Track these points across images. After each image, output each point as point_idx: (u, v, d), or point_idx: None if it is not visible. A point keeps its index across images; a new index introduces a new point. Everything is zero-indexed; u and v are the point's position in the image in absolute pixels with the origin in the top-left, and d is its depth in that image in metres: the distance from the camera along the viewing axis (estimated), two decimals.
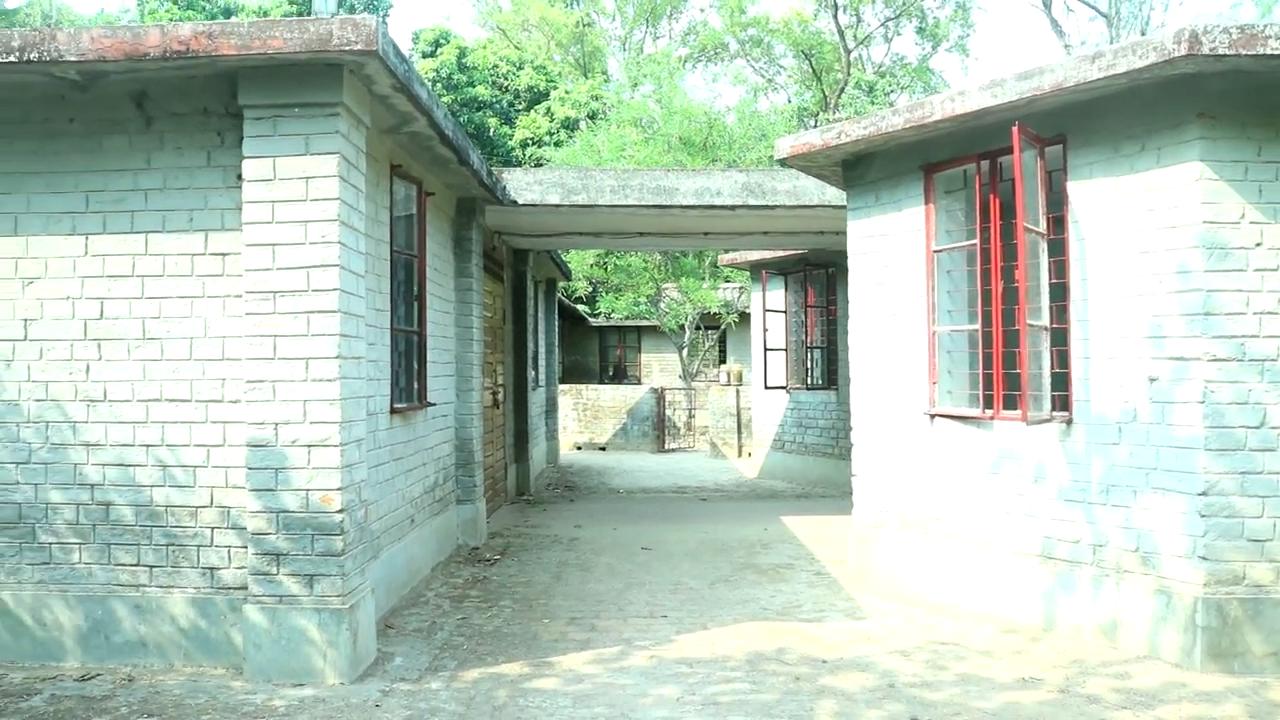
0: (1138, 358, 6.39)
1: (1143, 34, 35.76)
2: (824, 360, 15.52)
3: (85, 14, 36.66)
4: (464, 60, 35.77)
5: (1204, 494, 6.02)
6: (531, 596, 8.13)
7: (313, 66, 5.78)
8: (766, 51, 41.65)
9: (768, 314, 16.56)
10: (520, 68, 36.88)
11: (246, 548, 6.02)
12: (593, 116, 33.36)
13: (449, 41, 36.30)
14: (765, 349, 16.41)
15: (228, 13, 36.72)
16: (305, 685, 5.83)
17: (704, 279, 26.75)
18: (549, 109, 34.93)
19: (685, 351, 28.20)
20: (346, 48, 5.55)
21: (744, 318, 25.69)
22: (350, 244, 6.05)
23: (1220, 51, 5.63)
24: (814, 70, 38.50)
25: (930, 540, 7.85)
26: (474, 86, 35.34)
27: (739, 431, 20.69)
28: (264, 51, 5.58)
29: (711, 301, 26.21)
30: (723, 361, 30.36)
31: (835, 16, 37.16)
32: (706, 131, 25.45)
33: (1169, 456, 6.21)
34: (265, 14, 37.43)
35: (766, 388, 16.62)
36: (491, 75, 36.10)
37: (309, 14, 33.64)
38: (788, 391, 16.35)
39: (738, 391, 20.88)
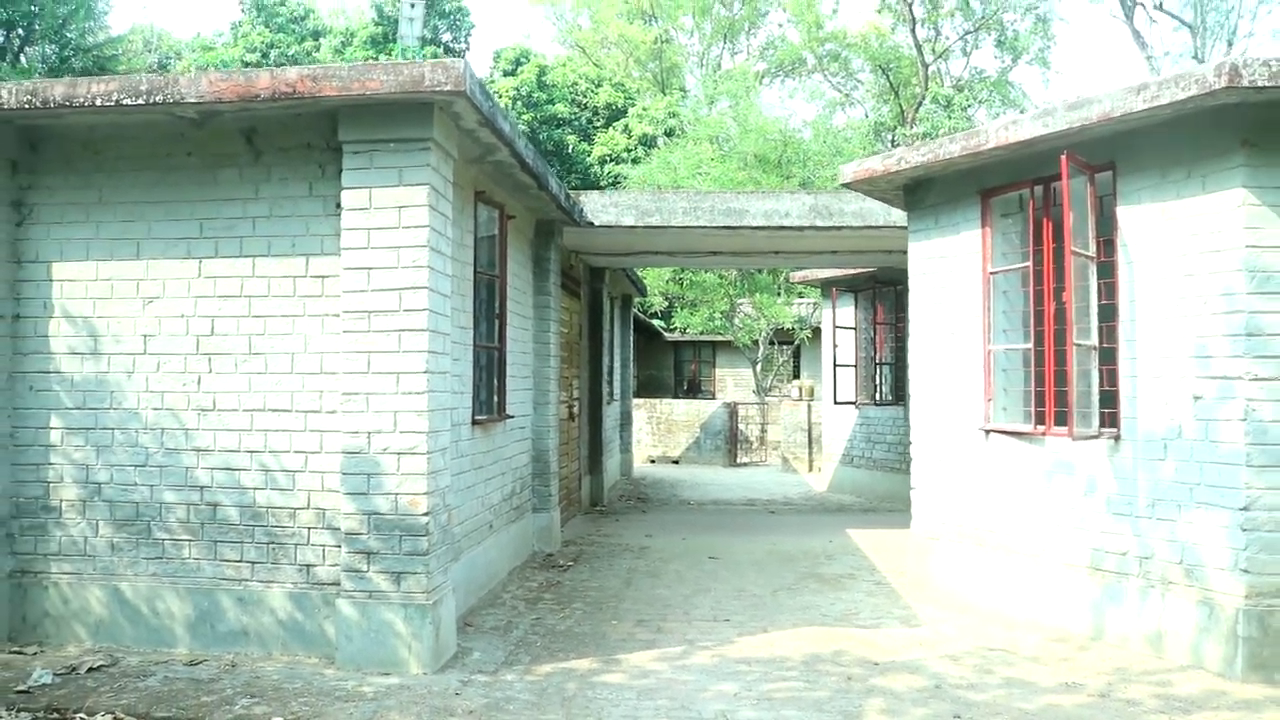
0: (1183, 377, 6.65)
1: (1229, 45, 35.23)
2: (893, 376, 15.78)
3: (183, 38, 38.20)
4: (543, 78, 36.53)
5: (1246, 508, 6.26)
6: (602, 600, 8.58)
7: (406, 105, 6.31)
8: (844, 66, 41.89)
9: (838, 330, 16.87)
10: (599, 85, 37.55)
11: (340, 546, 6.55)
12: (670, 134, 33.86)
13: (529, 60, 37.12)
14: (835, 365, 16.72)
15: (316, 35, 38.01)
16: (391, 674, 6.34)
17: (778, 295, 27.04)
18: (627, 126, 35.52)
19: (759, 366, 28.49)
20: (437, 88, 6.08)
21: (817, 333, 25.92)
22: (438, 267, 6.57)
23: (1260, 83, 5.91)
24: (891, 85, 38.64)
25: (984, 551, 8.15)
26: (553, 104, 36.07)
27: (809, 446, 20.97)
28: (362, 92, 6.13)
29: (785, 317, 26.49)
30: (796, 377, 30.59)
31: (913, 30, 37.24)
32: (781, 148, 25.79)
33: (1212, 472, 6.46)
34: (352, 35, 38.64)
35: (836, 403, 16.92)
36: (570, 93, 36.81)
37: (394, 35, 34.77)
38: (857, 407, 16.64)
39: (809, 407, 21.16)
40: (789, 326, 27.15)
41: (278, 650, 6.72)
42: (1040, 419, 7.70)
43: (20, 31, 23.76)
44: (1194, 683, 6.23)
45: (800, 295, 27.99)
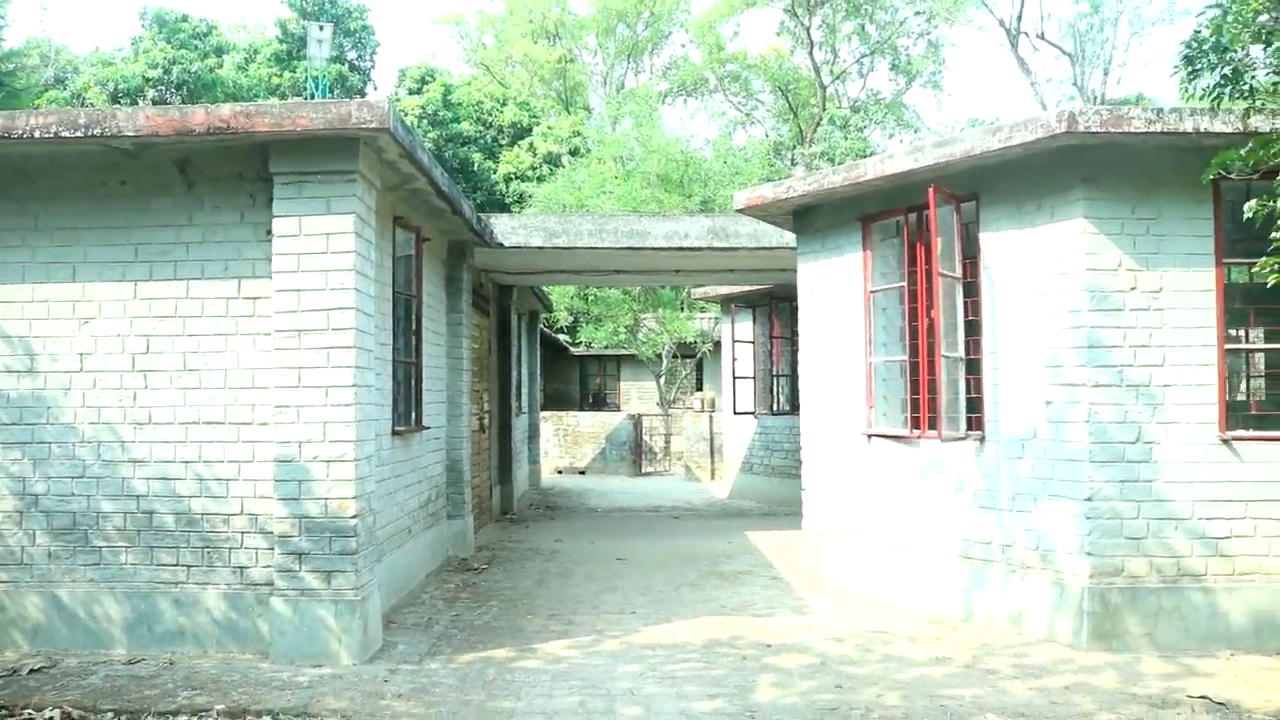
0: (1037, 384, 7.49)
1: (1105, 73, 37.23)
2: (789, 387, 16.58)
3: (81, 53, 37.68)
4: (449, 97, 36.94)
5: (1089, 499, 7.10)
6: (516, 598, 9.13)
7: (334, 140, 6.83)
8: (745, 87, 43.13)
9: (737, 344, 17.66)
10: (504, 104, 38.09)
11: (272, 549, 7.01)
12: (574, 153, 34.53)
13: (435, 79, 37.51)
14: (734, 377, 17.50)
15: (220, 52, 37.85)
16: (323, 665, 6.82)
17: (680, 310, 27.82)
18: (531, 144, 36.09)
19: (663, 379, 29.22)
20: (363, 125, 6.62)
21: (719, 347, 26.70)
22: (363, 289, 7.09)
23: (1093, 129, 6.77)
24: (790, 106, 39.92)
25: (868, 545, 8.91)
26: (459, 122, 36.50)
27: (711, 455, 21.73)
28: (293, 128, 6.64)
29: (687, 331, 27.27)
30: (699, 389, 31.38)
31: (810, 53, 38.60)
32: (683, 169, 26.62)
33: (1062, 468, 7.30)
34: (255, 51, 38.57)
35: (735, 413, 17.70)
36: (476, 111, 37.29)
37: (299, 52, 34.79)
38: (756, 417, 17.43)
39: (711, 417, 21.94)
40: (691, 340, 27.93)
41: (214, 648, 7.14)
42: (916, 424, 8.48)
43: None
44: (1047, 653, 7.04)
45: (702, 310, 28.80)
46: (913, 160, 7.92)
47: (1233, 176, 5.05)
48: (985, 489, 7.89)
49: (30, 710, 6.02)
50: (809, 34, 37.91)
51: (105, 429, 7.21)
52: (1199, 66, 4.70)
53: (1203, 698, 6.09)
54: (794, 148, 39.28)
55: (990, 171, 7.78)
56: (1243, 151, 4.82)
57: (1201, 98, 4.83)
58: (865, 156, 32.83)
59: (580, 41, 45.07)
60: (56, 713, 5.97)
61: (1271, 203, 4.75)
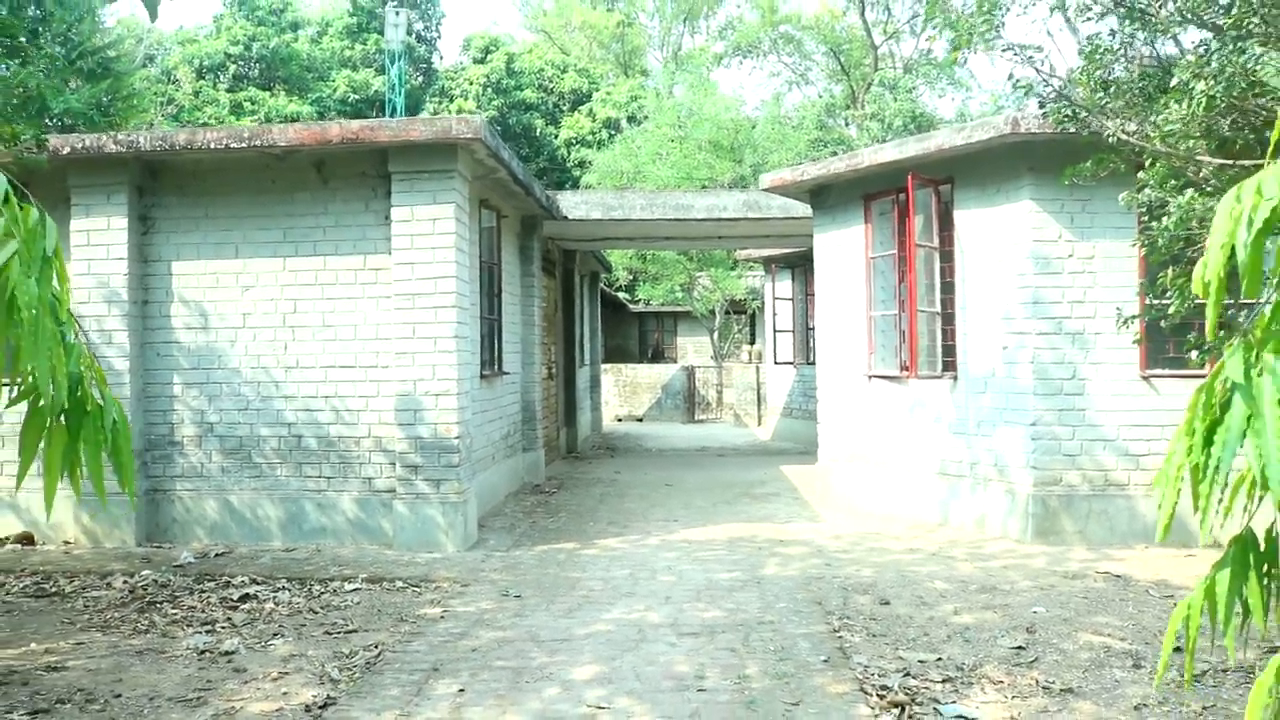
0: (995, 333, 9.31)
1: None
2: None
3: (166, 30, 40.11)
4: (512, 65, 38.88)
5: (1034, 424, 8.94)
6: (581, 512, 11.19)
7: (438, 146, 8.83)
8: (798, 48, 44.36)
9: (778, 301, 19.51)
10: (564, 71, 39.92)
11: (393, 464, 9.10)
12: (631, 119, 36.28)
13: (498, 48, 39.44)
14: (775, 330, 19.37)
15: (295, 27, 40.04)
16: (434, 552, 8.91)
17: (732, 268, 29.63)
18: (591, 110, 37.94)
19: (716, 334, 31.12)
20: (461, 135, 8.60)
21: None
22: (461, 261, 9.11)
23: (1033, 130, 8.54)
24: (843, 67, 41.14)
25: (868, 467, 10.83)
26: (521, 90, 38.45)
27: (757, 403, 23.66)
28: (407, 139, 8.64)
29: (737, 289, 29.10)
30: (752, 343, 33.24)
31: (862, 13, 39.72)
32: (733, 136, 28.32)
33: (1014, 400, 9.14)
34: (328, 25, 40.71)
35: (776, 364, 19.60)
36: (537, 79, 39.18)
37: (371, 24, 36.71)
38: (794, 367, 19.31)
39: (757, 369, 23.84)
40: (741, 297, 29.74)
41: (348, 541, 9.27)
42: (905, 367, 10.34)
43: (24, 39, 25.78)
44: (998, 546, 8.93)
45: (751, 269, 30.56)
46: (898, 151, 9.74)
47: (1080, 182, 6.82)
48: (957, 418, 9.76)
49: (225, 576, 8.17)
50: None
51: (262, 372, 9.34)
52: (1028, 95, 6.50)
53: (1105, 573, 7.97)
54: (846, 109, 40.52)
55: (961, 161, 9.57)
56: (1087, 164, 6.60)
57: (1043, 115, 6.62)
58: (915, 118, 34.24)
59: (637, 4, 46.61)
60: (245, 578, 8.13)
61: (1137, 195, 6.50)
